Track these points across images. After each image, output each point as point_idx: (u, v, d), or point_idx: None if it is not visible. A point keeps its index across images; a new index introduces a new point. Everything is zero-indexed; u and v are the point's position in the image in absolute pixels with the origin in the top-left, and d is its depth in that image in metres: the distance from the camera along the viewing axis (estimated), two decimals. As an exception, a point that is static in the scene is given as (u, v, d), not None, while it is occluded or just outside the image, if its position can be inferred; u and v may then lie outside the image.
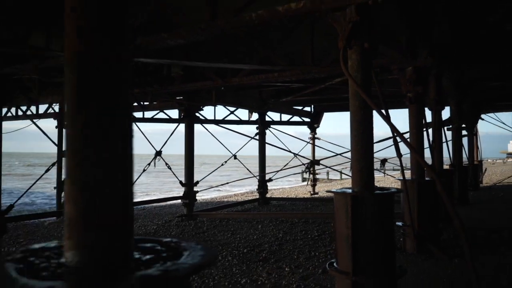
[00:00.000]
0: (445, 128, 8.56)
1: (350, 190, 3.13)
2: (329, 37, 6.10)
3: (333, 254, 5.32)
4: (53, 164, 8.97)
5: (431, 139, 5.97)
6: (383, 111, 3.01)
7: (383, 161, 10.99)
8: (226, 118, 12.82)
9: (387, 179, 22.16)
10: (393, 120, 3.22)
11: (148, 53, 6.00)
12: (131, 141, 1.09)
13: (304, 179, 32.23)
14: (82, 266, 1.01)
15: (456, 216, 2.19)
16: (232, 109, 12.97)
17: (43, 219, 10.76)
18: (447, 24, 5.51)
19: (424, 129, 5.52)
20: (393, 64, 5.07)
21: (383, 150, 9.21)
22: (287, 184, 25.54)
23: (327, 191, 3.78)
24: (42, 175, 8.30)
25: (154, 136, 12.82)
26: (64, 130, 1.11)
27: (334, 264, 3.17)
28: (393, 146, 3.74)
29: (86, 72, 1.03)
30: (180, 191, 10.66)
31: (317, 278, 4.33)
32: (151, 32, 4.66)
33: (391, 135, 3.70)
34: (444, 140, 7.65)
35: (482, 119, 13.02)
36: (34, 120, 11.71)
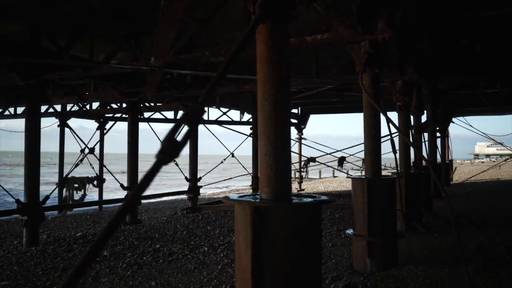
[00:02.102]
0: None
1: (364, 177, 4.25)
2: (331, 52, 7.25)
3: (336, 234, 6.45)
4: (81, 160, 9.74)
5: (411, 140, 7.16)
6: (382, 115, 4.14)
7: (341, 160, 10.81)
8: (219, 119, 13.92)
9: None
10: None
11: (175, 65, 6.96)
12: (290, 139, 2.16)
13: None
14: (273, 199, 2.06)
15: (443, 189, 3.32)
16: (224, 110, 14.02)
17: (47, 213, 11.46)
18: (426, 44, 6.72)
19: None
20: (386, 78, 6.24)
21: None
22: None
23: (347, 177, 4.88)
24: (69, 172, 9.07)
25: (147, 135, 13.45)
26: (256, 136, 2.15)
27: (351, 231, 4.28)
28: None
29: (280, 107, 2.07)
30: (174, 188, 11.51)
31: (329, 249, 5.43)
32: (184, 50, 5.67)
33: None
34: (422, 141, 8.91)
35: (453, 122, 14.44)
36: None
